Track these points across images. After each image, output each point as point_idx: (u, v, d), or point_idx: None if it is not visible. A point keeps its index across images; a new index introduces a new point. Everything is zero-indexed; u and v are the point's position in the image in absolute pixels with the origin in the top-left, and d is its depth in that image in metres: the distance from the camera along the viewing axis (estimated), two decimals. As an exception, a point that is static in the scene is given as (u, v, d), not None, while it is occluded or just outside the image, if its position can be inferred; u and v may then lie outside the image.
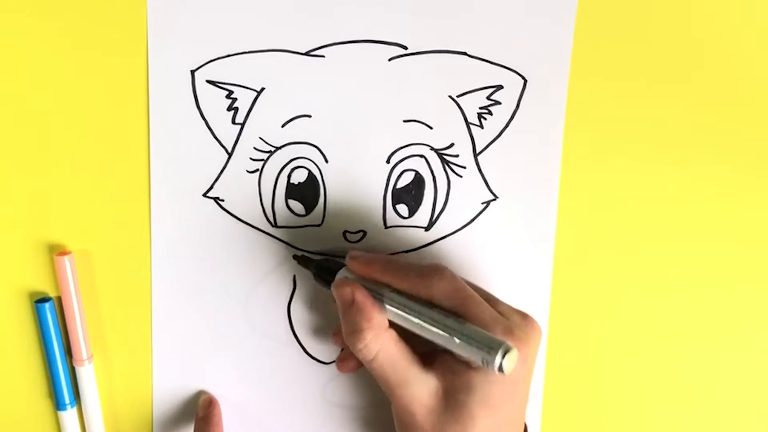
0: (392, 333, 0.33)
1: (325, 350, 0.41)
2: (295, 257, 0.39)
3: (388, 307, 0.34)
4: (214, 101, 0.38)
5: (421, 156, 0.39)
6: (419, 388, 0.33)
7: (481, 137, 0.39)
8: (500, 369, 0.29)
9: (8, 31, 0.37)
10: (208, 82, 0.37)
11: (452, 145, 0.39)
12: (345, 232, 0.39)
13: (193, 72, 0.37)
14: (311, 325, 0.41)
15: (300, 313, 0.41)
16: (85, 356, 0.40)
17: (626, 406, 0.42)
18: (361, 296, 0.34)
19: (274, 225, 0.39)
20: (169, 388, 0.41)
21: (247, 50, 0.37)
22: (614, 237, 0.40)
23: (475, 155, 0.39)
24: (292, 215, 0.39)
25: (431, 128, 0.38)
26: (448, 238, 0.40)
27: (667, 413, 0.43)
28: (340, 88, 0.38)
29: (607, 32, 0.38)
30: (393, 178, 0.39)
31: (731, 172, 0.39)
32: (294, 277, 0.40)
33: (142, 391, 0.41)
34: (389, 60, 0.37)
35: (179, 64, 0.37)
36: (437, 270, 0.33)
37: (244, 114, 0.38)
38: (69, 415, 0.41)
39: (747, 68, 0.38)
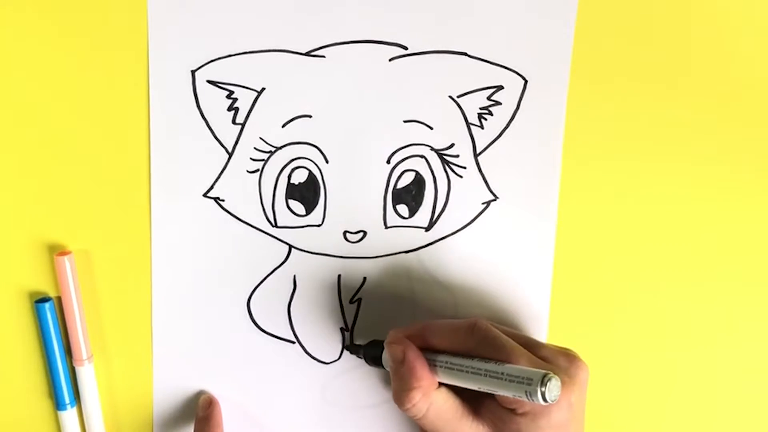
0: (442, 391, 0.34)
1: (325, 350, 0.41)
2: (346, 348, 0.41)
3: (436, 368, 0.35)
4: (215, 101, 0.38)
5: (422, 156, 0.39)
6: None
7: (482, 137, 0.39)
8: (544, 398, 0.30)
9: (8, 31, 0.37)
10: (209, 82, 0.37)
11: (452, 145, 0.39)
12: (345, 232, 0.39)
13: (193, 72, 0.37)
14: (311, 325, 0.41)
15: (300, 313, 0.41)
16: (85, 356, 0.40)
17: (626, 405, 0.42)
18: (412, 355, 0.35)
19: (275, 225, 0.39)
20: (169, 388, 0.41)
21: (247, 50, 0.37)
22: (614, 237, 0.40)
23: (476, 155, 0.39)
24: (293, 215, 0.39)
25: (431, 128, 0.38)
26: (448, 238, 0.40)
27: (667, 412, 0.43)
28: (341, 89, 0.38)
29: (608, 32, 0.38)
30: (393, 179, 0.39)
31: (732, 171, 0.40)
32: (294, 277, 0.40)
33: (142, 391, 0.41)
34: (390, 60, 0.37)
35: (180, 64, 0.37)
36: (471, 324, 0.34)
37: (245, 114, 0.38)
38: (69, 415, 0.41)
39: (747, 68, 0.38)
